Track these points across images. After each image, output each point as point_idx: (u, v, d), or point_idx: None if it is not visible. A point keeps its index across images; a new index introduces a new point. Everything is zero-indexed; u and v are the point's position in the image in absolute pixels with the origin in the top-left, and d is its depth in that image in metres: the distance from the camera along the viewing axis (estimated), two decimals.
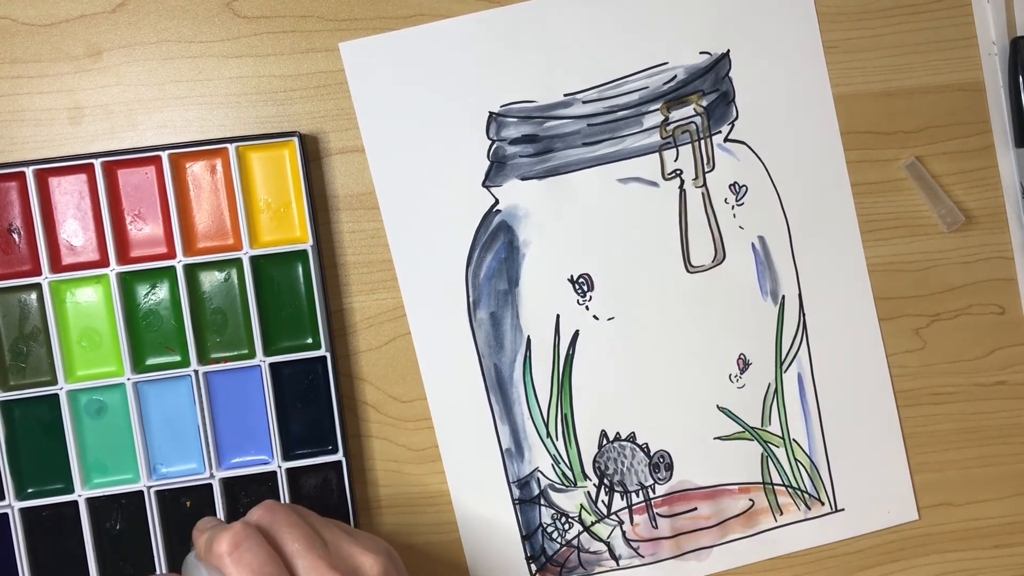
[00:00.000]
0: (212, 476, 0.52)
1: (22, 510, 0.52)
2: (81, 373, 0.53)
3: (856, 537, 0.58)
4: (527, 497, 0.56)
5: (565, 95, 0.55)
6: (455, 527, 0.56)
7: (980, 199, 0.58)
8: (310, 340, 0.53)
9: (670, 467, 0.57)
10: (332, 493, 0.54)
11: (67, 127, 0.53)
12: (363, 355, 0.55)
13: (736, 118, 0.56)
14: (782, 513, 0.57)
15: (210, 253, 0.52)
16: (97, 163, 0.51)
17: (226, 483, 0.53)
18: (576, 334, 0.56)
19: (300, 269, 0.53)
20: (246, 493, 0.53)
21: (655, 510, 0.57)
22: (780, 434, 0.57)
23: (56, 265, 0.52)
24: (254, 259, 0.52)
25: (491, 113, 0.55)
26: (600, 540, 0.56)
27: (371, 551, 0.44)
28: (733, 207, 0.56)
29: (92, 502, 0.52)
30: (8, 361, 0.52)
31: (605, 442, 0.56)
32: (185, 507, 0.53)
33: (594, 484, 0.56)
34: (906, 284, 0.58)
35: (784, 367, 0.57)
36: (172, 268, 0.52)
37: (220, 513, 0.52)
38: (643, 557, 0.56)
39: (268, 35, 0.54)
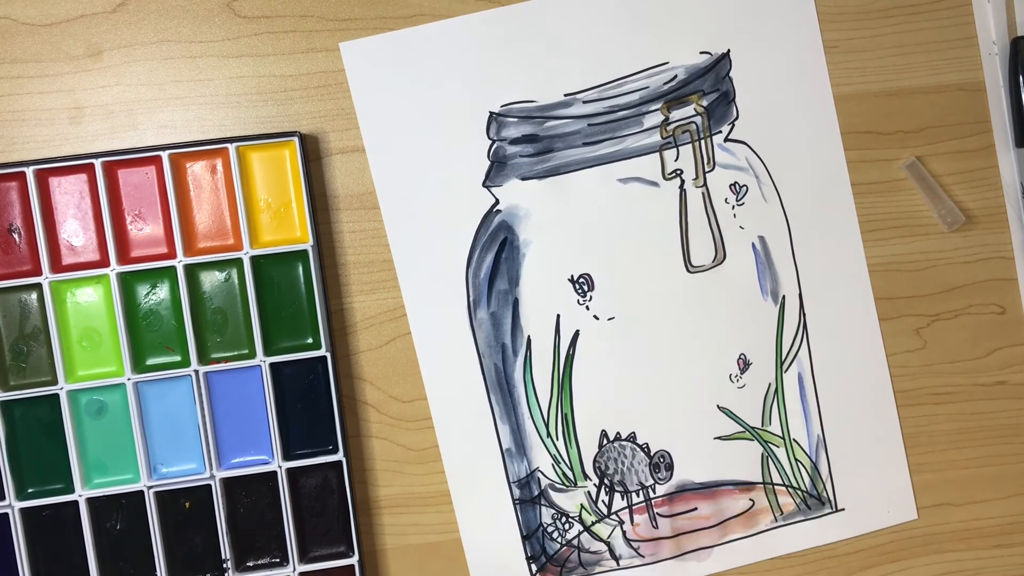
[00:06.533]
0: (212, 476, 0.52)
1: (22, 510, 0.52)
2: (81, 373, 0.53)
3: (856, 537, 0.58)
4: (527, 497, 0.56)
5: (565, 95, 0.55)
6: (455, 527, 0.56)
7: (980, 199, 0.58)
8: (310, 340, 0.53)
9: (670, 467, 0.57)
10: (332, 493, 0.54)
11: (67, 127, 0.53)
12: (363, 355, 0.55)
13: (736, 118, 0.56)
14: (782, 513, 0.57)
15: (210, 253, 0.52)
16: (97, 163, 0.51)
17: (226, 483, 0.53)
18: (576, 334, 0.56)
19: (300, 269, 0.53)
20: (246, 493, 0.53)
21: (655, 510, 0.57)
22: (780, 434, 0.57)
23: (56, 265, 0.52)
24: (254, 259, 0.52)
25: (491, 113, 0.55)
26: (600, 540, 0.56)
27: None
28: (733, 207, 0.56)
29: (92, 502, 0.52)
30: (8, 361, 0.52)
31: (605, 442, 0.56)
32: (184, 508, 0.53)
33: (594, 484, 0.56)
34: (906, 284, 0.58)
35: (784, 367, 0.57)
36: (172, 268, 0.52)
37: (220, 513, 0.52)
38: (643, 557, 0.56)
39: (268, 35, 0.54)
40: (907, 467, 0.58)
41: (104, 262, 0.52)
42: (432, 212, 0.55)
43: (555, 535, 0.56)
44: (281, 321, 0.53)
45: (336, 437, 0.53)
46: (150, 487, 0.52)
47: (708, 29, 0.56)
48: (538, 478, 0.56)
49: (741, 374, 0.57)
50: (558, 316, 0.56)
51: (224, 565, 0.53)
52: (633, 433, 0.56)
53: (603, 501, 0.56)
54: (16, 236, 0.52)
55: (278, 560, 0.53)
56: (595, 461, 0.56)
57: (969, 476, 0.58)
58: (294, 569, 0.53)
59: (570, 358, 0.56)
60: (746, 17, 0.56)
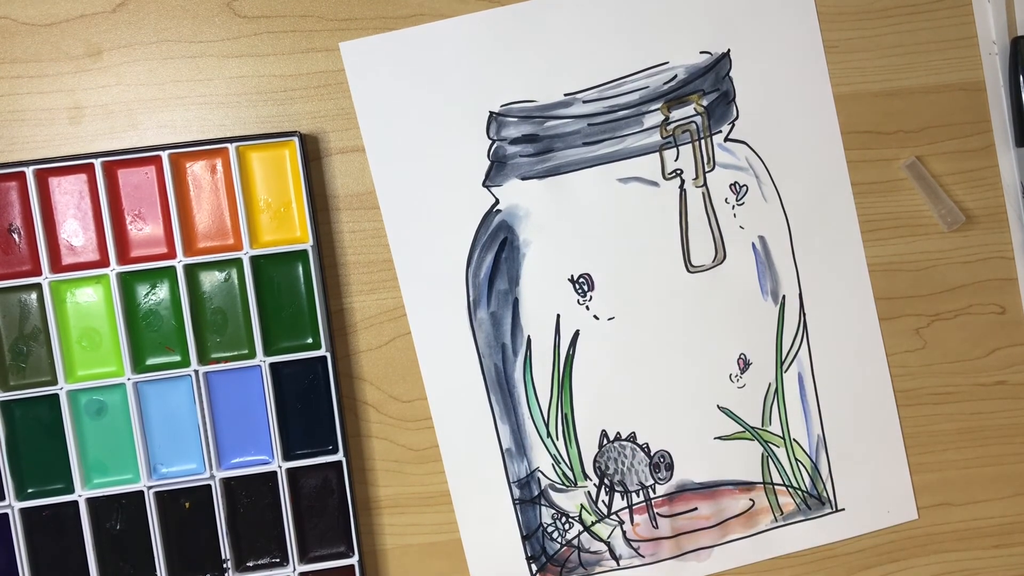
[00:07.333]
0: (212, 476, 0.52)
1: (22, 510, 0.52)
2: (81, 373, 0.53)
3: (856, 537, 0.58)
4: (527, 497, 0.56)
5: (565, 95, 0.55)
6: (455, 527, 0.56)
7: (980, 199, 0.58)
8: (310, 340, 0.53)
9: (670, 467, 0.57)
10: (332, 493, 0.54)
11: (67, 127, 0.53)
12: (363, 355, 0.55)
13: (736, 118, 0.56)
14: (782, 513, 0.57)
15: (210, 253, 0.52)
16: (97, 163, 0.51)
17: (226, 483, 0.53)
18: (576, 334, 0.56)
19: (300, 269, 0.53)
20: (246, 493, 0.53)
21: (655, 510, 0.57)
22: (780, 434, 0.57)
23: (56, 265, 0.52)
24: (254, 259, 0.52)
25: (491, 113, 0.55)
26: (600, 540, 0.56)
27: None
28: (733, 207, 0.56)
29: (92, 502, 0.52)
30: (8, 361, 0.52)
31: (605, 442, 0.56)
32: (184, 507, 0.53)
33: (594, 484, 0.56)
34: (906, 284, 0.58)
35: (784, 367, 0.57)
36: (172, 268, 0.52)
37: (219, 513, 0.52)
38: (643, 557, 0.56)
39: (268, 35, 0.54)
40: (907, 467, 0.58)
41: (104, 262, 0.52)
42: (432, 212, 0.55)
43: (555, 535, 0.56)
44: (281, 321, 0.53)
45: (336, 437, 0.53)
46: (150, 487, 0.52)
47: (708, 29, 0.56)
48: (538, 478, 0.56)
49: (741, 374, 0.57)
50: (558, 316, 0.56)
51: (224, 565, 0.53)
52: (633, 433, 0.56)
53: (603, 501, 0.56)
54: (16, 236, 0.52)
55: (278, 560, 0.53)
56: (595, 461, 0.56)
57: (969, 476, 0.58)
58: (294, 569, 0.53)
59: (570, 358, 0.56)
60: (746, 17, 0.56)
